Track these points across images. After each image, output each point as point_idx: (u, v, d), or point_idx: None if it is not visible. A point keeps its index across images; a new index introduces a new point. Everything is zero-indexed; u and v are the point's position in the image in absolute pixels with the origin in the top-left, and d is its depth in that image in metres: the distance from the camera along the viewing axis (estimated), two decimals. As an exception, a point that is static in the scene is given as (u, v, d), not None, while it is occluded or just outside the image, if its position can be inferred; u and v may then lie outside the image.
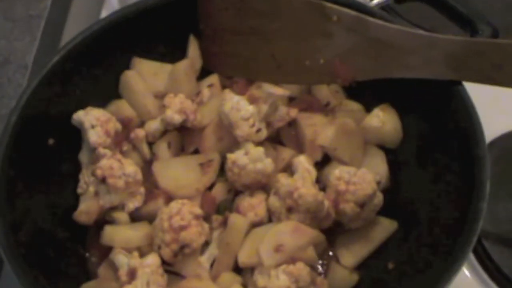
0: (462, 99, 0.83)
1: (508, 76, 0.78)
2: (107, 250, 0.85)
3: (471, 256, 0.95)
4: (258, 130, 0.88)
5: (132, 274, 0.79)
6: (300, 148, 0.92)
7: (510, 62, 0.77)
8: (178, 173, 0.89)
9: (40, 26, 1.16)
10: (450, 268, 0.72)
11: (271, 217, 0.86)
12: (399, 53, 0.85)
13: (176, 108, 0.90)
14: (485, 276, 0.93)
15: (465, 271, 0.95)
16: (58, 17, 1.23)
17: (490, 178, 0.77)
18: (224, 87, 0.98)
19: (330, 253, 0.88)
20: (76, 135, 0.93)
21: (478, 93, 0.83)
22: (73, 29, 1.23)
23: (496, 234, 0.94)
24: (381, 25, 0.86)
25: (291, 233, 0.80)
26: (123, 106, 0.96)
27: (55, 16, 1.20)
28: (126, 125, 0.94)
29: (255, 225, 0.85)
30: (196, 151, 0.94)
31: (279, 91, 0.89)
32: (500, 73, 0.78)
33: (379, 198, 0.85)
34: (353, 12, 0.87)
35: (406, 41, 0.84)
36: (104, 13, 1.30)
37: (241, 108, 0.87)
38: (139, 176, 0.86)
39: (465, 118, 0.82)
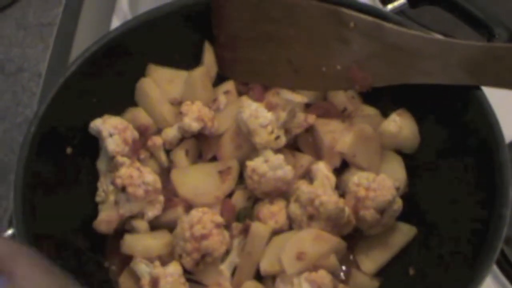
0: (480, 104, 0.83)
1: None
2: (127, 259, 0.85)
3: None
4: (277, 137, 0.87)
5: (154, 283, 0.78)
6: (318, 155, 0.92)
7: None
8: (197, 180, 0.89)
9: (53, 34, 1.16)
10: (475, 277, 0.71)
11: (291, 225, 0.86)
12: (416, 58, 0.85)
13: (194, 116, 0.90)
14: (506, 282, 0.92)
15: (486, 277, 0.94)
16: (70, 24, 1.23)
17: (511, 183, 0.76)
18: (240, 93, 0.98)
19: (351, 257, 0.87)
20: (93, 143, 0.93)
21: (496, 97, 0.83)
22: (84, 36, 1.23)
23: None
24: (398, 31, 0.86)
25: (313, 241, 0.80)
26: (139, 114, 0.95)
27: (67, 23, 1.20)
28: (143, 133, 0.94)
29: (275, 232, 0.84)
30: (213, 158, 0.94)
31: (298, 97, 0.89)
32: (519, 78, 0.78)
33: (398, 204, 0.85)
34: (369, 18, 0.87)
35: (423, 47, 0.84)
36: (115, 20, 1.29)
37: (259, 115, 0.87)
38: (159, 184, 0.86)
39: (484, 124, 0.81)
